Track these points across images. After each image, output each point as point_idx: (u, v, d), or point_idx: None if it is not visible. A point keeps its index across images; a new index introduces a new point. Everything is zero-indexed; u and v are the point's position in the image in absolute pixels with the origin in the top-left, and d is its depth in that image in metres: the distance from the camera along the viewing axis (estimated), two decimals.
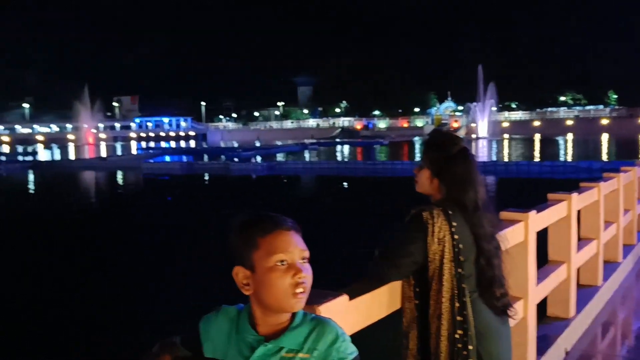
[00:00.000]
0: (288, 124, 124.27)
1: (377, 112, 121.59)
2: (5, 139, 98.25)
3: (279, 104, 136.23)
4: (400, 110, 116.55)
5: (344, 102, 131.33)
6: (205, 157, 45.10)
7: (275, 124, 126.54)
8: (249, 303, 1.54)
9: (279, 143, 72.39)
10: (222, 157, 42.86)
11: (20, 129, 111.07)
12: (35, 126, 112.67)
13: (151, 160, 39.27)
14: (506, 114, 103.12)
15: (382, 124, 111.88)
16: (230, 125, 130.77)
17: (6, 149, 75.54)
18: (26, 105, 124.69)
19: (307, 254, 1.48)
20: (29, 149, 70.81)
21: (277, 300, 1.44)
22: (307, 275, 1.46)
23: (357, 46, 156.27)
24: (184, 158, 45.19)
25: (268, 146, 61.52)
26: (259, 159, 40.02)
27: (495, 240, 2.38)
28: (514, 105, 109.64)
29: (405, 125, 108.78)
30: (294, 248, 1.45)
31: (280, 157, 44.49)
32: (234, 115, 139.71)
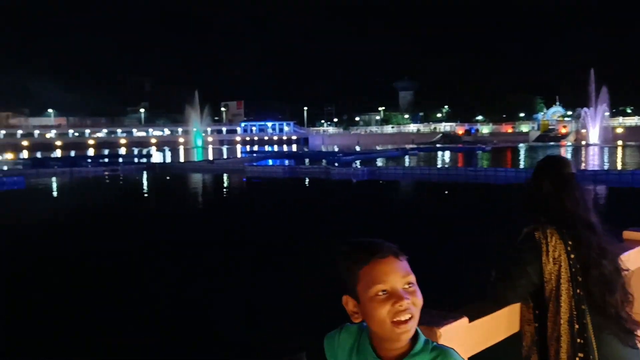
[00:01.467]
0: (388, 128, 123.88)
1: (479, 117, 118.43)
2: (123, 141, 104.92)
3: (379, 108, 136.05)
4: (504, 116, 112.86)
5: (445, 106, 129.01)
6: (307, 161, 45.91)
7: (375, 129, 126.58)
8: None
9: (379, 148, 72.27)
10: (323, 161, 43.41)
11: (135, 132, 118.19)
12: (149, 130, 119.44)
13: (255, 164, 40.54)
14: (620, 119, 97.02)
15: (485, 129, 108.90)
16: (331, 129, 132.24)
17: (123, 151, 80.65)
18: (142, 110, 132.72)
19: (411, 278, 1.43)
20: (144, 151, 75.22)
21: (382, 329, 1.43)
22: (409, 301, 1.41)
23: (460, 50, 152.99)
24: (286, 162, 46.26)
25: (368, 151, 61.62)
26: (358, 163, 40.20)
27: (615, 262, 2.29)
28: (629, 110, 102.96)
29: (510, 130, 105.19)
30: (393, 276, 1.41)
31: (379, 162, 44.42)
32: (335, 119, 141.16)
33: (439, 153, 58.65)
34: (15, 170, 34.78)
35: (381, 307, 1.40)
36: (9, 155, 58.53)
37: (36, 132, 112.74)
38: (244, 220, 16.98)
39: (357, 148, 72.53)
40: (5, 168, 38.83)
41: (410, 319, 1.41)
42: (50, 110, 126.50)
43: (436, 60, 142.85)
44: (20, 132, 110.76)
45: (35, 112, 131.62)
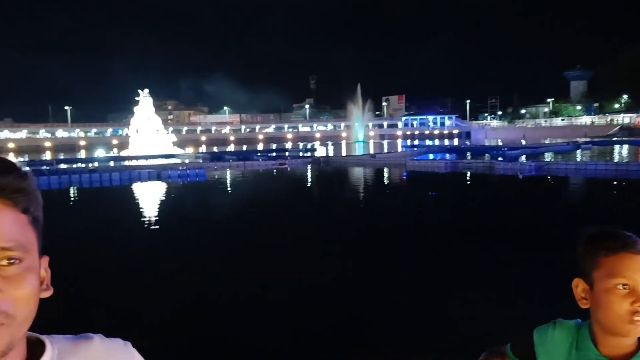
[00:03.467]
0: (558, 121, 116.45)
1: None
2: (289, 136, 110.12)
3: (548, 100, 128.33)
4: None
5: (624, 96, 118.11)
6: (468, 156, 44.89)
7: (543, 122, 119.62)
8: (589, 320, 1.49)
9: (547, 142, 68.39)
10: (486, 155, 42.15)
11: (301, 127, 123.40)
12: (314, 125, 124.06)
13: (415, 158, 40.55)
14: None
15: None
16: (495, 123, 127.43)
17: (289, 145, 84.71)
18: (307, 107, 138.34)
19: None
20: (308, 145, 78.38)
21: (612, 323, 1.38)
22: None
23: None
24: (447, 156, 45.61)
25: (535, 145, 58.59)
26: (523, 158, 38.50)
27: None
28: None
29: None
30: (638, 274, 1.35)
31: (547, 156, 42.13)
32: (499, 112, 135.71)
33: (616, 147, 54.08)
34: (196, 164, 38.15)
35: (620, 301, 1.35)
36: (190, 150, 64.22)
37: (213, 128, 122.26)
38: (406, 211, 17.26)
39: (523, 142, 69.24)
40: (187, 161, 42.73)
41: None
42: (225, 108, 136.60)
43: (614, 48, 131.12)
44: (199, 128, 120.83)
45: (213, 109, 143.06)
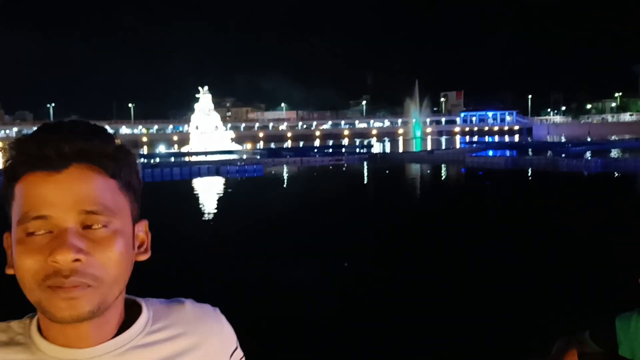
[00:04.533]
0: (626, 117, 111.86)
1: None
2: (346, 133, 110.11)
3: (615, 94, 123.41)
4: None
5: None
6: (530, 152, 43.71)
7: (610, 117, 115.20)
8: None
9: (613, 138, 65.77)
10: (549, 152, 40.95)
11: (357, 124, 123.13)
12: (370, 121, 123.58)
13: (475, 155, 39.77)
14: None
15: None
16: (558, 118, 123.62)
17: (346, 142, 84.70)
18: (363, 103, 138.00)
19: None
20: (365, 142, 78.19)
21: None
22: None
23: None
24: (507, 153, 44.54)
25: (601, 141, 56.44)
26: (588, 155, 37.14)
27: None
28: None
29: None
30: None
31: (614, 153, 40.55)
32: (563, 108, 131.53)
33: None
34: (254, 159, 38.65)
35: None
36: (248, 146, 65.20)
37: (270, 124, 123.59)
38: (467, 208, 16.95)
39: (588, 138, 66.82)
40: (244, 157, 43.39)
41: None
42: (282, 105, 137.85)
43: None
44: (257, 124, 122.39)
45: (270, 106, 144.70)
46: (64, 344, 0.85)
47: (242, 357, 1.04)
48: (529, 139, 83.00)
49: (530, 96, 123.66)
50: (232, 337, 1.02)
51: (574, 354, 1.55)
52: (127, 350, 0.88)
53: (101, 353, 0.86)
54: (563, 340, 1.61)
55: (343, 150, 51.77)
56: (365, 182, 29.20)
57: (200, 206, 19.25)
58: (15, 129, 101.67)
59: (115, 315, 0.89)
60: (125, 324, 0.91)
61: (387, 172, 32.59)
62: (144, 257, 0.93)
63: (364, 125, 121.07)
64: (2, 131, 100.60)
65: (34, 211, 0.80)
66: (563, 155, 35.08)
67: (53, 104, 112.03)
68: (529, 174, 28.82)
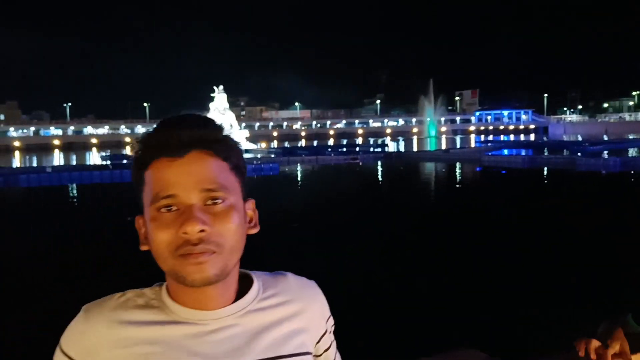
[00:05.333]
0: None
1: None
2: (360, 132, 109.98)
3: (633, 93, 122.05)
4: None
5: None
6: (546, 151, 43.38)
7: (627, 116, 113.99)
8: None
9: (631, 137, 65.06)
10: (565, 151, 40.59)
11: (372, 123, 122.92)
12: (384, 120, 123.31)
13: (491, 153, 39.52)
14: None
15: None
16: (574, 117, 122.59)
17: (360, 141, 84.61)
18: (378, 102, 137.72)
19: None
20: (379, 141, 78.05)
21: None
22: None
23: None
24: (523, 152, 44.23)
25: (619, 140, 55.89)
26: (605, 154, 36.76)
27: None
28: None
29: None
30: None
31: (632, 152, 40.11)
32: (580, 106, 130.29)
33: None
34: (269, 158, 38.70)
35: None
36: (263, 145, 65.31)
37: (284, 123, 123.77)
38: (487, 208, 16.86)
39: (605, 137, 66.16)
40: (260, 156, 43.46)
41: None
42: (297, 104, 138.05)
43: None
44: (271, 123, 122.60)
45: (284, 105, 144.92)
46: (192, 307, 1.00)
47: (333, 324, 1.18)
48: (545, 138, 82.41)
49: (546, 95, 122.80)
50: (327, 306, 1.16)
51: (621, 332, 1.55)
52: (245, 314, 1.03)
53: (225, 315, 1.01)
54: (608, 320, 1.61)
55: (357, 149, 51.70)
56: (381, 180, 29.13)
57: None
58: (32, 129, 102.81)
59: (234, 283, 1.05)
60: (241, 292, 1.06)
61: (403, 170, 32.49)
62: (254, 231, 1.07)
63: (378, 124, 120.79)
64: (20, 130, 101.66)
65: (163, 192, 0.95)
66: (580, 154, 34.71)
67: (70, 104, 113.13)
68: (546, 173, 28.60)
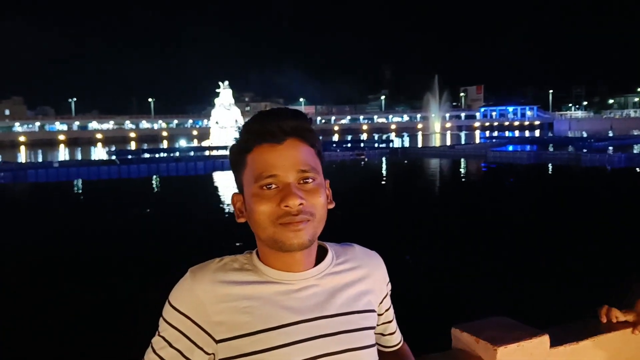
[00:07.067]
0: None
1: None
2: (364, 127, 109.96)
3: (638, 89, 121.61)
4: None
5: None
6: (551, 147, 43.36)
7: (632, 112, 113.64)
8: None
9: (636, 133, 64.92)
10: (570, 147, 40.58)
11: (376, 118, 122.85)
12: (389, 116, 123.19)
13: (496, 149, 39.53)
14: None
15: None
16: (579, 113, 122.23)
17: (364, 136, 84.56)
18: (382, 98, 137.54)
19: None
20: (383, 136, 78.01)
21: None
22: None
23: None
24: (528, 148, 44.20)
25: (624, 136, 55.77)
26: (611, 150, 36.74)
27: None
28: None
29: None
30: None
31: (637, 148, 40.07)
32: (585, 102, 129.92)
33: None
34: None
35: None
36: None
37: None
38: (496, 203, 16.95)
39: (610, 133, 66.02)
40: None
41: None
42: (301, 100, 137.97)
43: None
44: None
45: (288, 101, 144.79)
46: (281, 269, 1.19)
47: (390, 289, 1.37)
48: (550, 134, 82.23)
49: (551, 91, 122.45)
50: (386, 272, 1.35)
51: None
52: (324, 276, 1.22)
53: (308, 276, 1.20)
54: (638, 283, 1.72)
55: (362, 145, 51.69)
56: (387, 176, 29.22)
57: (222, 199, 19.49)
58: (37, 124, 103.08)
59: (315, 250, 1.24)
60: (319, 258, 1.25)
61: (408, 166, 32.57)
62: (331, 206, 1.24)
63: (382, 120, 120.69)
64: (25, 126, 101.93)
65: (266, 172, 1.15)
66: (585, 150, 34.72)
67: (74, 99, 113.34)
68: (552, 168, 28.66)
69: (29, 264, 10.37)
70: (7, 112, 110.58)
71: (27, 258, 10.84)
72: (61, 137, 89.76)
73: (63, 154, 56.37)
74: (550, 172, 27.69)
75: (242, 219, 1.23)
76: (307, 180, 1.16)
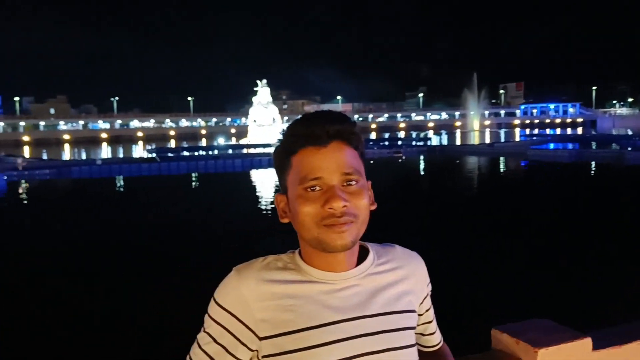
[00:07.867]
0: None
1: None
2: (402, 125, 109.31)
3: None
4: None
5: None
6: (593, 145, 42.32)
7: None
8: None
9: None
10: (613, 145, 39.52)
11: (414, 116, 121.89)
12: (427, 114, 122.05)
13: (537, 147, 38.79)
14: None
15: None
16: (624, 110, 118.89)
17: (402, 134, 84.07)
18: (420, 95, 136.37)
19: None
20: (421, 134, 77.39)
21: None
22: None
23: None
24: (569, 146, 43.25)
25: None
26: None
27: None
28: None
29: None
30: None
31: None
32: (630, 99, 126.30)
33: None
34: None
35: None
36: None
37: None
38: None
39: None
40: None
41: None
42: (338, 97, 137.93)
43: None
44: None
45: (325, 99, 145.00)
46: (324, 269, 1.21)
47: (431, 289, 1.37)
48: (592, 131, 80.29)
49: (594, 87, 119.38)
50: (427, 273, 1.36)
51: None
52: (365, 276, 1.24)
53: (350, 276, 1.22)
54: None
55: (400, 142, 51.38)
56: (425, 174, 29.01)
57: (260, 196, 19.66)
58: (81, 122, 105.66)
59: (357, 251, 1.25)
60: (360, 259, 1.26)
61: (446, 164, 32.25)
62: (373, 207, 1.24)
63: (420, 117, 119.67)
64: (69, 124, 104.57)
65: (311, 174, 1.16)
66: (630, 148, 33.76)
67: (116, 98, 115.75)
68: (594, 167, 27.99)
69: (63, 259, 10.67)
70: (52, 110, 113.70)
71: (59, 252, 11.15)
72: (103, 135, 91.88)
73: (105, 151, 57.70)
74: (592, 171, 27.06)
75: (285, 219, 1.25)
76: (351, 183, 1.17)
